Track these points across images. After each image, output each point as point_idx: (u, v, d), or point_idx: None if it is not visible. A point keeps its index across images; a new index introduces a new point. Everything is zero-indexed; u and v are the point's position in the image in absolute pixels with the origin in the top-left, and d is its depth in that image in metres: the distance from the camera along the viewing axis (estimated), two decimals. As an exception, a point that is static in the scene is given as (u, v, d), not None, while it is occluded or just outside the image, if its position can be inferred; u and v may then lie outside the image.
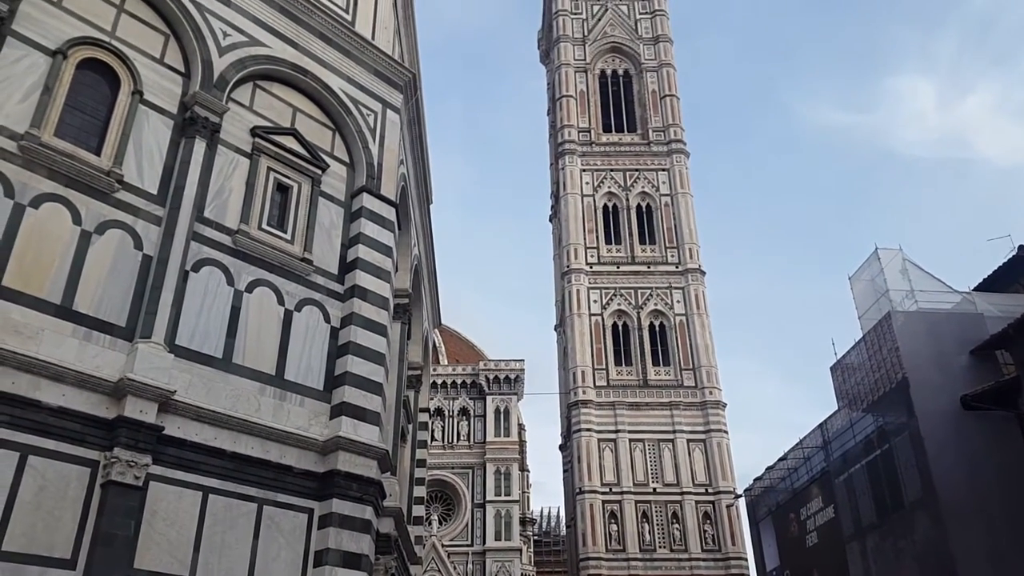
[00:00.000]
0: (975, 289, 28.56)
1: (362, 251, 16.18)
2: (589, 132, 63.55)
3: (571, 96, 64.78)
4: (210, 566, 11.84)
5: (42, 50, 12.63)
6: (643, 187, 60.86)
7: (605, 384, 53.56)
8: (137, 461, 11.25)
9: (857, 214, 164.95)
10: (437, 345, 67.32)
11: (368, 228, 16.55)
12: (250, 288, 14.22)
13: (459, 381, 63.60)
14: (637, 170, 61.77)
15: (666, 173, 61.29)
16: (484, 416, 61.98)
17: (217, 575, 11.88)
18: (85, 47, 13.23)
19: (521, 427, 65.44)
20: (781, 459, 38.83)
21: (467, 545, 57.70)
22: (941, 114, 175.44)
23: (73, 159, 12.34)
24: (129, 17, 14.15)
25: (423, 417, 28.62)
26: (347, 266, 16.03)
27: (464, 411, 62.59)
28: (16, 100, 12.08)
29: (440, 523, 57.51)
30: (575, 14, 69.45)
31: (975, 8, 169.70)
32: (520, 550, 59.93)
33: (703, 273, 57.27)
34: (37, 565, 10.14)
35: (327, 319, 15.29)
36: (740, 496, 46.41)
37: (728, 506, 49.07)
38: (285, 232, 15.19)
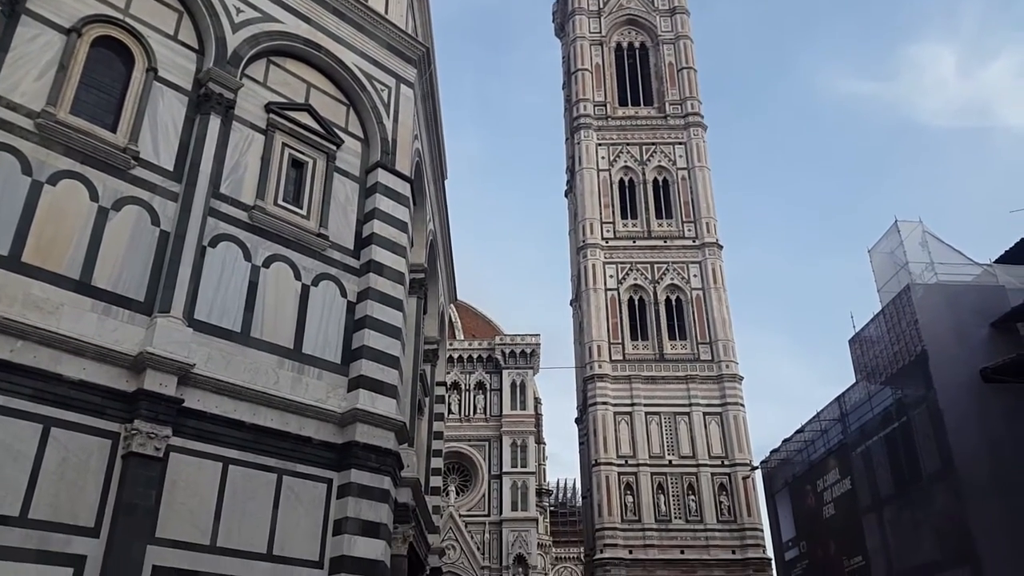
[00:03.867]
0: (996, 261, 28.15)
1: (377, 226, 16.25)
2: (605, 106, 62.86)
3: (586, 69, 64.04)
4: (231, 535, 12.09)
5: (57, 28, 12.70)
6: (660, 161, 60.26)
7: (621, 358, 53.50)
8: (157, 433, 11.45)
9: (878, 185, 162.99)
10: (453, 320, 67.60)
11: (383, 203, 16.59)
12: (267, 263, 14.34)
13: (475, 355, 63.99)
14: (654, 144, 61.12)
15: (683, 147, 60.62)
16: (500, 390, 62.43)
17: (238, 544, 12.13)
18: (99, 25, 13.28)
19: (537, 400, 65.83)
20: (798, 431, 38.73)
21: (484, 515, 58.44)
22: (962, 82, 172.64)
23: (89, 136, 12.45)
24: (143, -7, 14.14)
25: (440, 390, 28.86)
26: (363, 241, 16.10)
27: (480, 385, 63.05)
28: (32, 78, 12.17)
29: (457, 494, 58.23)
30: (590, -15, 68.47)
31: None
32: (536, 520, 60.62)
33: (720, 247, 56.78)
34: (62, 533, 10.41)
35: (344, 294, 15.41)
36: (756, 468, 46.43)
37: (744, 478, 49.05)
38: (301, 208, 15.27)
